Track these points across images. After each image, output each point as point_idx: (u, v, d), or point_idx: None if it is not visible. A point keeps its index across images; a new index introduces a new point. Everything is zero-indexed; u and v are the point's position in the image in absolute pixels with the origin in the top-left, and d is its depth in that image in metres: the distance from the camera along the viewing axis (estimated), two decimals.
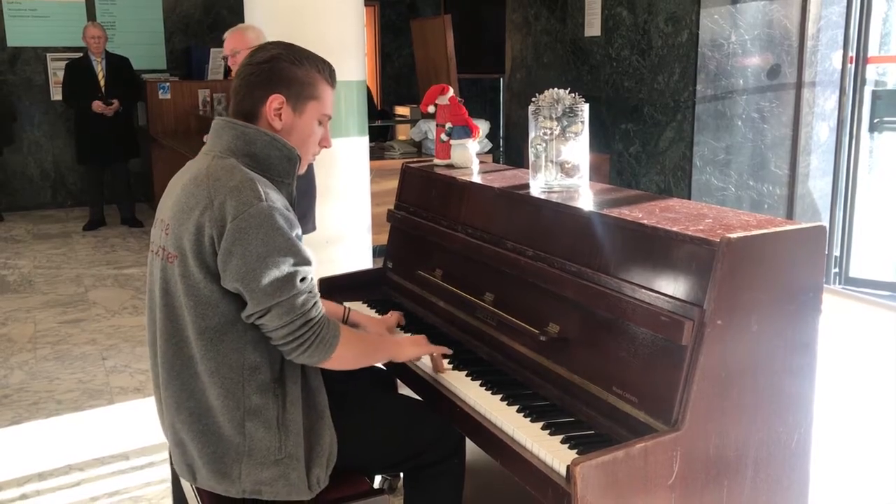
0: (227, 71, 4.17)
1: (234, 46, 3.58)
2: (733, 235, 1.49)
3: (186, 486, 1.96)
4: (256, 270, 1.61)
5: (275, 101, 1.75)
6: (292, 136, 1.79)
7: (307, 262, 1.68)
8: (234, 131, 1.75)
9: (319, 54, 1.86)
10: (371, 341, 1.98)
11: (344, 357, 1.76)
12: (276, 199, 1.67)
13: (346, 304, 2.46)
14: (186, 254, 1.65)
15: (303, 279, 1.66)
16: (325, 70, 1.82)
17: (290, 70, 1.76)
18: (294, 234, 1.67)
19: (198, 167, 1.74)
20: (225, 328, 1.67)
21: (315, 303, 1.69)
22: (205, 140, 1.87)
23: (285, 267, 1.63)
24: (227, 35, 3.70)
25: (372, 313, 2.40)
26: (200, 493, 1.82)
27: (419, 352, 1.97)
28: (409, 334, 2.17)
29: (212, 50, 8.21)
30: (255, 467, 1.69)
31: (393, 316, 2.25)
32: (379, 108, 8.48)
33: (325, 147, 1.89)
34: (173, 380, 1.72)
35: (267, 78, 1.75)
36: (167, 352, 1.72)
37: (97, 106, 6.88)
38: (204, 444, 1.71)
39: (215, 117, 1.82)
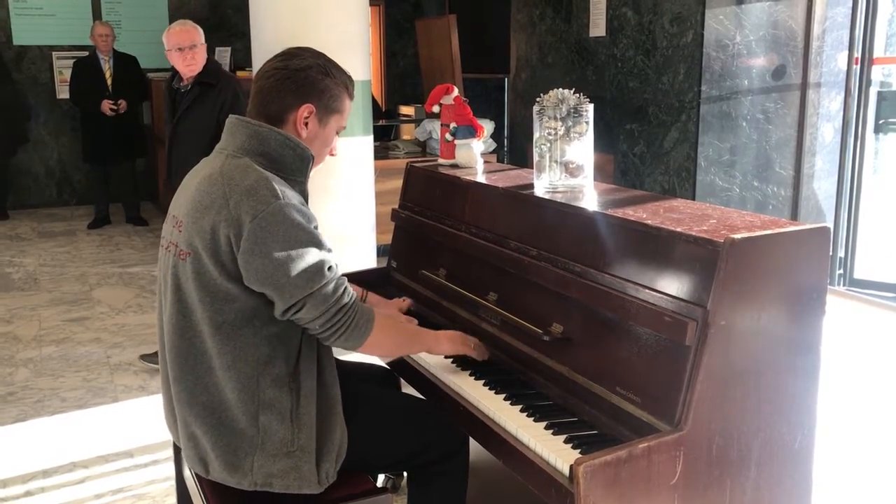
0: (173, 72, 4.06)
1: (194, 39, 3.66)
2: (737, 236, 1.50)
3: (190, 482, 1.96)
4: (284, 267, 1.62)
5: (306, 111, 1.79)
6: (314, 144, 1.83)
7: (330, 251, 1.71)
8: (247, 130, 1.76)
9: (324, 53, 1.88)
10: (407, 331, 1.98)
11: (380, 343, 1.80)
12: (292, 196, 1.69)
13: None
14: (200, 251, 1.66)
15: (330, 267, 1.69)
16: (351, 85, 1.88)
17: (324, 82, 1.81)
18: (313, 226, 1.69)
19: (212, 166, 1.75)
20: (241, 323, 1.68)
21: (345, 288, 1.72)
22: None
23: (311, 258, 1.65)
24: (177, 29, 3.74)
25: None
26: (205, 489, 1.82)
27: (454, 349, 1.98)
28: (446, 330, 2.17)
29: (217, 49, 8.22)
30: (267, 459, 1.70)
31: (405, 301, 2.31)
32: (383, 108, 8.48)
33: (332, 155, 1.94)
34: (186, 374, 1.73)
35: (301, 86, 1.79)
36: (179, 346, 1.73)
37: (106, 107, 6.88)
38: (217, 437, 1.72)
39: (229, 116, 1.84)
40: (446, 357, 2.04)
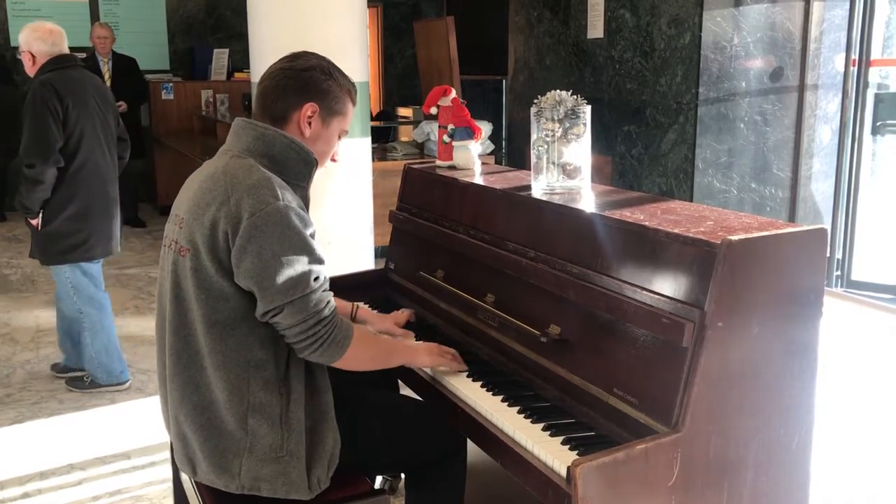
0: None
1: (22, 45, 3.57)
2: (734, 237, 1.50)
3: (188, 485, 1.96)
4: (271, 268, 1.62)
5: (309, 109, 1.81)
6: (316, 145, 1.84)
7: (321, 262, 1.71)
8: (253, 132, 1.78)
9: (322, 55, 1.90)
10: (385, 345, 1.99)
11: (357, 358, 1.79)
12: (292, 200, 1.69)
13: None
14: (199, 248, 1.67)
15: (316, 278, 1.69)
16: (353, 90, 1.90)
17: (326, 83, 1.82)
18: (308, 233, 1.69)
19: (215, 165, 1.76)
20: (235, 323, 1.69)
21: (328, 302, 1.72)
22: None
23: (299, 266, 1.65)
24: (36, 28, 3.63)
25: None
26: (201, 491, 1.82)
27: (432, 361, 1.98)
28: (424, 341, 2.17)
29: (215, 51, 8.22)
30: (255, 463, 1.70)
31: (404, 313, 2.28)
32: (375, 112, 8.42)
33: (334, 161, 1.95)
34: (179, 372, 1.73)
35: (305, 86, 1.80)
36: (175, 344, 1.73)
37: None
38: (206, 437, 1.72)
39: (236, 118, 1.85)
40: None
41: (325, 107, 1.83)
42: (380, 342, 1.98)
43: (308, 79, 1.81)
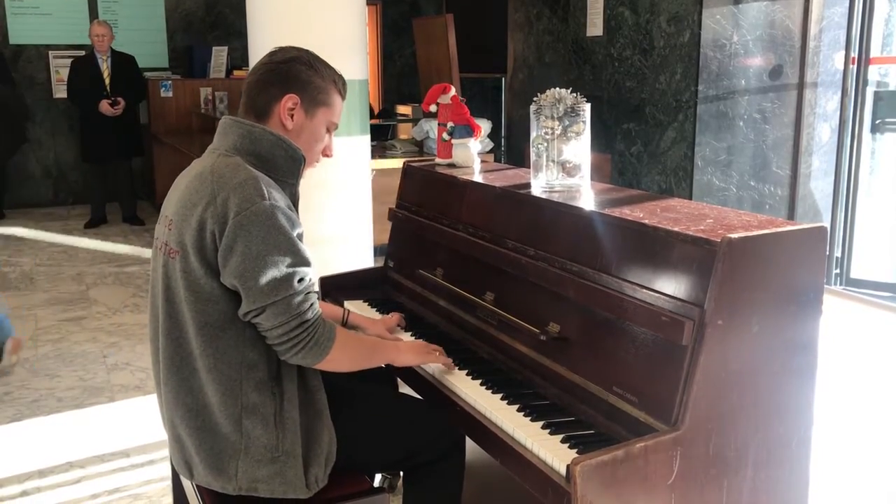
0: None
1: None
2: (734, 235, 1.50)
3: (187, 483, 1.96)
4: (255, 268, 1.61)
5: (289, 101, 1.79)
6: (301, 137, 1.82)
7: (306, 263, 1.69)
8: (240, 130, 1.76)
9: (321, 53, 1.90)
10: (368, 345, 1.96)
11: (339, 360, 1.76)
12: (279, 199, 1.68)
13: (347, 303, 2.47)
14: (188, 249, 1.66)
15: (300, 280, 1.67)
16: (339, 81, 1.88)
17: (307, 73, 1.80)
18: (295, 234, 1.68)
19: (203, 164, 1.75)
20: (225, 325, 1.68)
21: (311, 304, 1.70)
22: None
23: (283, 266, 1.64)
24: None
25: (373, 312, 2.41)
26: (201, 490, 1.82)
27: (417, 359, 1.97)
28: (411, 337, 2.18)
29: (214, 49, 8.21)
30: (251, 465, 1.70)
31: (394, 317, 2.26)
32: (378, 109, 8.44)
33: (327, 156, 1.93)
34: (172, 375, 1.73)
35: (284, 77, 1.79)
36: (167, 347, 1.73)
37: (105, 108, 6.87)
38: (201, 440, 1.71)
39: (223, 116, 1.84)
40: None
41: (307, 98, 1.80)
42: (363, 343, 1.94)
43: (287, 70, 1.79)
